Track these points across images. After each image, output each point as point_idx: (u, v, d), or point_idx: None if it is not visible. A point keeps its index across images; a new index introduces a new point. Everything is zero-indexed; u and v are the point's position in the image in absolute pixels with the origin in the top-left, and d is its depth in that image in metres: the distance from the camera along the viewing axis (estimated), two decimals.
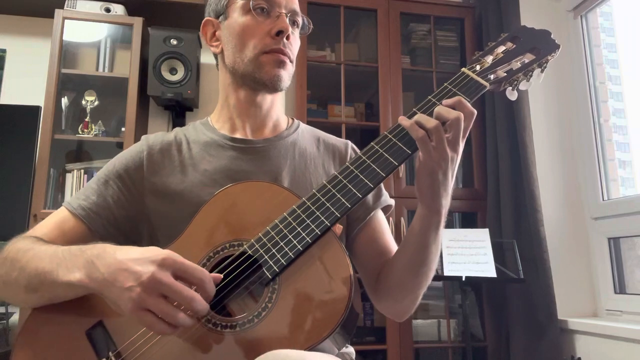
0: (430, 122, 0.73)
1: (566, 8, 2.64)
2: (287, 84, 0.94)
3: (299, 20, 0.96)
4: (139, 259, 0.68)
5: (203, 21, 0.98)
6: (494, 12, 2.50)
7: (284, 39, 0.90)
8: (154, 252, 0.69)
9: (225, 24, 0.95)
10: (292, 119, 1.06)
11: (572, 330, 2.20)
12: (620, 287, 2.29)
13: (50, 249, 0.77)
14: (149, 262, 0.67)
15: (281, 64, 0.91)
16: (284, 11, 0.92)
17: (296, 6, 0.95)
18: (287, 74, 0.93)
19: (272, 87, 0.92)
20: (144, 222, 0.92)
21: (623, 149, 2.55)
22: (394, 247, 0.97)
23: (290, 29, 0.92)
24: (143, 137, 0.98)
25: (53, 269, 0.74)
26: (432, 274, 0.88)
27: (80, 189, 0.96)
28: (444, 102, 0.76)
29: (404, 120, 0.76)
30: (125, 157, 0.95)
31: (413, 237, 0.85)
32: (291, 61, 0.93)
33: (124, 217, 0.91)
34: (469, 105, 0.75)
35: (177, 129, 1.02)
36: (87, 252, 0.73)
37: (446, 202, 0.81)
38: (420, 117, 0.75)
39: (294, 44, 0.95)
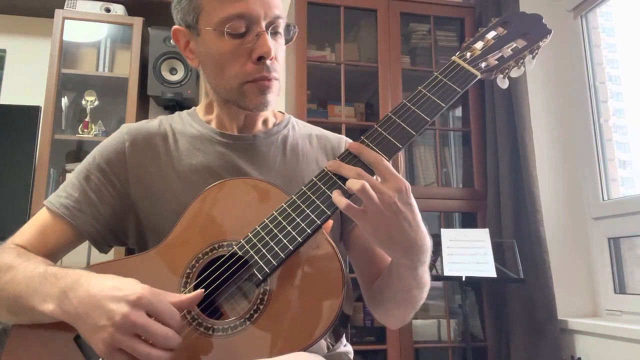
0: (354, 185, 0.68)
1: (566, 8, 2.64)
2: (275, 101, 0.88)
3: (282, 26, 0.86)
4: (112, 297, 0.65)
5: (173, 29, 0.88)
6: (494, 12, 2.50)
7: (267, 62, 0.82)
8: (129, 288, 0.66)
9: (198, 40, 0.86)
10: (283, 114, 1.01)
11: (572, 330, 2.20)
12: (620, 287, 2.29)
13: (27, 270, 0.75)
14: (124, 301, 0.64)
15: (266, 90, 0.84)
16: (264, 28, 0.81)
17: (278, 10, 0.84)
18: (274, 95, 0.86)
19: (258, 111, 0.89)
20: (131, 215, 0.88)
21: (623, 149, 2.55)
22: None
23: (272, 49, 0.82)
24: (123, 125, 0.93)
25: (29, 296, 0.72)
26: (419, 305, 0.85)
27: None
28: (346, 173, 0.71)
29: (337, 196, 0.70)
30: (106, 148, 0.90)
31: (391, 281, 0.81)
32: (277, 79, 0.86)
33: (109, 213, 0.87)
34: (380, 163, 0.70)
35: (162, 117, 0.97)
36: (61, 281, 0.70)
37: (424, 256, 0.75)
38: (349, 182, 0.69)
39: (279, 57, 0.86)
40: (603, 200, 2.40)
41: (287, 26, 0.87)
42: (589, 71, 2.53)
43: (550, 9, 2.67)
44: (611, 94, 2.58)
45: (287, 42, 0.89)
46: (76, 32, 2.35)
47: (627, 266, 2.30)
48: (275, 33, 0.85)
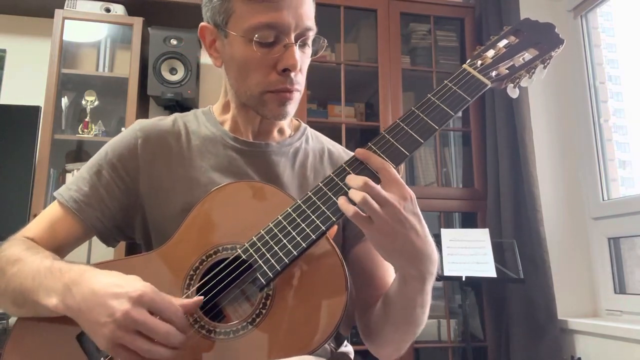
0: (356, 196, 0.66)
1: (566, 8, 2.64)
2: (294, 111, 0.86)
3: (311, 38, 0.84)
4: (114, 293, 0.65)
5: (200, 25, 0.88)
6: (494, 12, 2.50)
7: (291, 74, 0.81)
8: (132, 285, 0.66)
9: (225, 42, 0.84)
10: (300, 122, 1.00)
11: (572, 330, 2.20)
12: (620, 287, 2.29)
13: (34, 263, 0.75)
14: (125, 297, 0.64)
15: (287, 102, 0.83)
16: (293, 39, 0.80)
17: (310, 22, 0.82)
18: (294, 106, 0.85)
19: (276, 120, 0.88)
20: (138, 212, 0.88)
21: (623, 149, 2.55)
22: (390, 280, 0.87)
23: (299, 62, 0.80)
24: (137, 121, 0.93)
25: (34, 289, 0.72)
26: (419, 329, 0.81)
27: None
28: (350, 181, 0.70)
29: (342, 203, 0.69)
30: (119, 144, 0.89)
31: (395, 297, 0.78)
32: (299, 91, 0.84)
33: (118, 209, 0.87)
34: (388, 170, 0.70)
35: (177, 115, 0.96)
36: (65, 276, 0.71)
37: (433, 267, 0.72)
38: (351, 192, 0.68)
39: (303, 69, 0.85)
40: (603, 200, 2.40)
41: (316, 37, 0.85)
42: (589, 71, 2.53)
43: (550, 9, 2.67)
44: (611, 94, 2.58)
45: (314, 53, 0.87)
46: (76, 32, 2.34)
47: (627, 266, 2.30)
48: (303, 45, 0.83)
